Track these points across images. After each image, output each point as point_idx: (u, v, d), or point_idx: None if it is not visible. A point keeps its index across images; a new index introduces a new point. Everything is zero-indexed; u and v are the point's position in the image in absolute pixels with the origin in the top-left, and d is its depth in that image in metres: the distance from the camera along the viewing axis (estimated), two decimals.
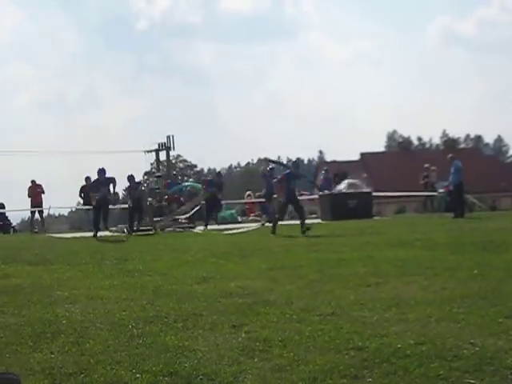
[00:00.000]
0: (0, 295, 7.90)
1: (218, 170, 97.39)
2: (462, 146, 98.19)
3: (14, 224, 32.56)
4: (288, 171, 18.74)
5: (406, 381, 4.09)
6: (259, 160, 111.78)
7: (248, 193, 31.09)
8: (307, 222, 18.10)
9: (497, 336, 4.99)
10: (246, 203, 30.47)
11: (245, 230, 20.08)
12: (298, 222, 17.51)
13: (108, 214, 21.21)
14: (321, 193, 26.27)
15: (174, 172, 42.41)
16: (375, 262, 9.46)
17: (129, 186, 22.42)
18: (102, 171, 19.96)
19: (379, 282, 7.69)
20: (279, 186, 18.67)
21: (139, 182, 24.15)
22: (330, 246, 12.37)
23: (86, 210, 27.84)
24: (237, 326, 5.72)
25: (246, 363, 4.61)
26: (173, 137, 27.88)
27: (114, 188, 20.55)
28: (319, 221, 24.16)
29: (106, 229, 20.84)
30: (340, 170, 30.20)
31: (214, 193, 23.49)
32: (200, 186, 27.04)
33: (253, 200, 29.55)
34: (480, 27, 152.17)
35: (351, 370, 4.33)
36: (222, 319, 6.01)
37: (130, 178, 21.82)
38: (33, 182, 27.34)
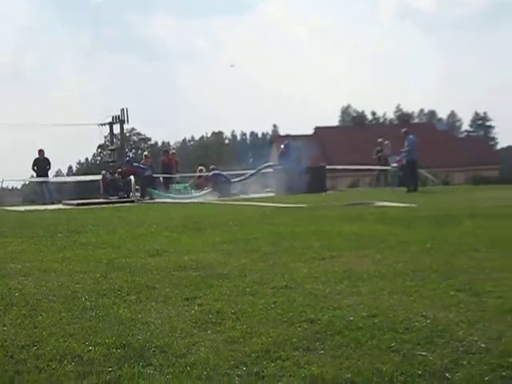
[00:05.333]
0: None
1: (171, 143, 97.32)
2: (416, 120, 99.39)
3: None
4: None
5: (358, 353, 4.12)
6: (213, 134, 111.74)
7: (200, 167, 30.97)
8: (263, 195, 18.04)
9: (448, 309, 5.06)
10: (197, 177, 30.15)
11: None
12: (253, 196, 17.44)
13: None
14: None
15: None
16: (329, 236, 9.49)
17: None
18: None
19: (333, 256, 7.72)
20: None
21: None
22: (285, 220, 12.39)
23: (39, 182, 27.58)
24: (190, 299, 5.71)
25: (198, 335, 4.61)
26: (127, 110, 27.69)
27: None
28: (273, 195, 24.25)
29: None
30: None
31: None
32: None
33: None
34: (437, 2, 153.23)
35: (304, 342, 4.35)
36: (176, 292, 6.00)
37: None
38: None
